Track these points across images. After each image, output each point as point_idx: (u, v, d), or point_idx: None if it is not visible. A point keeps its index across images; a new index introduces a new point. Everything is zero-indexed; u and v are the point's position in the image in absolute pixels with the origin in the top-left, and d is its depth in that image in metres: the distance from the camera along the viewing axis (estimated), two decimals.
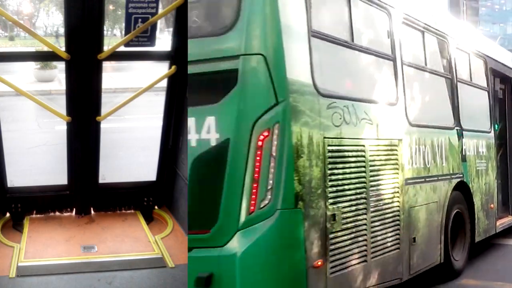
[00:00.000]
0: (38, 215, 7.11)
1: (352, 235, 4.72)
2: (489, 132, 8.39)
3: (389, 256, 5.26)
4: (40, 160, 7.73)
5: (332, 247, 4.45)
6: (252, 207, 4.08)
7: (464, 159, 7.20)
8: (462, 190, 7.09)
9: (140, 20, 6.12)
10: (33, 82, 8.21)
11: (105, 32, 6.39)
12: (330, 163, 4.45)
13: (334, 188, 4.50)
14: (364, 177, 4.90)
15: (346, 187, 4.65)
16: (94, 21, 6.17)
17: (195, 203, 4.24)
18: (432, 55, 6.66)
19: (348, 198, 4.69)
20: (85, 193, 7.09)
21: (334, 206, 4.47)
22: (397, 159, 5.46)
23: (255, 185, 4.06)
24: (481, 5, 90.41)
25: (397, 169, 5.46)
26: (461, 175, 7.08)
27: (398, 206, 5.44)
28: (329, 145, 4.43)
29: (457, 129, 7.11)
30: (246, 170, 4.07)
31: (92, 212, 7.24)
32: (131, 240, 6.65)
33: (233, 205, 4.10)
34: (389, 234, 5.29)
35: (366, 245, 4.92)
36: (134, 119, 8.05)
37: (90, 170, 6.95)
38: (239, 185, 4.08)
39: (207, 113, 4.13)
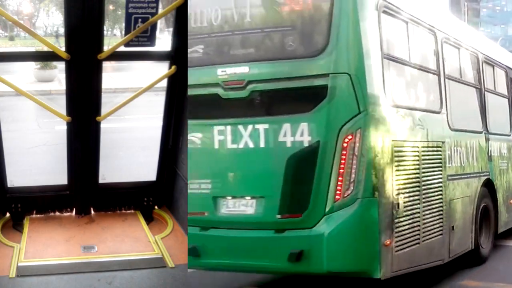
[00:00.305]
0: (38, 215, 7.11)
1: (410, 221, 5.64)
2: (509, 135, 9.31)
3: (435, 241, 6.18)
4: (40, 160, 7.73)
5: (396, 230, 5.38)
6: (337, 196, 5.06)
7: (490, 159, 8.10)
8: (488, 187, 7.91)
9: (140, 20, 6.13)
10: (33, 82, 8.21)
11: (105, 32, 6.40)
12: (396, 161, 5.41)
13: (398, 182, 5.43)
14: (418, 173, 5.82)
15: (406, 181, 5.60)
16: (94, 21, 6.17)
17: (289, 192, 5.18)
18: (466, 68, 7.66)
19: (407, 190, 5.61)
20: (85, 193, 7.10)
21: (398, 197, 5.41)
22: (441, 158, 6.39)
23: (340, 178, 5.03)
24: (482, 6, 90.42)
25: (441, 167, 6.38)
26: (488, 174, 7.96)
27: (442, 199, 6.33)
28: (395, 147, 5.40)
29: (484, 133, 8.02)
30: (332, 166, 5.05)
31: (92, 212, 7.24)
32: (131, 240, 6.64)
33: (321, 194, 5.08)
34: (435, 222, 6.19)
35: (419, 230, 5.83)
36: (134, 119, 8.05)
37: (90, 170, 6.96)
38: (327, 178, 5.06)
39: (300, 120, 5.13)
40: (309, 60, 5.18)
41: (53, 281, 5.81)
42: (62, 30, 6.58)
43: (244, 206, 5.45)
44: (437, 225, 6.22)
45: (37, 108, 6.89)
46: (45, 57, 6.94)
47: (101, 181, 7.08)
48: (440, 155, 6.38)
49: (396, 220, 5.38)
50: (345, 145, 5.04)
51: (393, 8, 5.64)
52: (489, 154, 8.09)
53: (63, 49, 6.25)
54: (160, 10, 6.29)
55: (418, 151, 5.85)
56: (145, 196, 7.35)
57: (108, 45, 6.55)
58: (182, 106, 7.09)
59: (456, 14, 77.93)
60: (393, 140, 5.36)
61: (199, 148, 5.63)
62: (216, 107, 5.55)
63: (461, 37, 7.52)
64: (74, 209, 7.19)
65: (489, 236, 8.02)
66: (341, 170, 5.04)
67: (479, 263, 7.68)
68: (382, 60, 5.32)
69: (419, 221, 5.81)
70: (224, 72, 5.47)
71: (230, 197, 5.50)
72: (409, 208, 5.61)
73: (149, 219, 7.23)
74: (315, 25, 5.26)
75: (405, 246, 5.55)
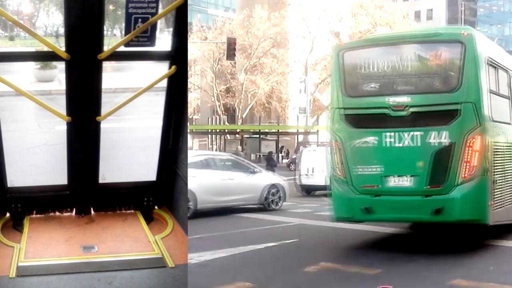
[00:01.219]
0: (38, 215, 7.11)
1: (499, 192, 8.95)
2: None
3: (510, 207, 9.45)
4: (40, 160, 7.70)
5: (493, 197, 8.72)
6: (463, 175, 8.37)
7: None
8: None
9: (140, 20, 6.12)
10: (33, 82, 8.19)
11: (105, 32, 6.39)
12: (494, 154, 8.79)
13: (494, 167, 8.76)
14: (503, 162, 9.18)
15: (497, 166, 8.90)
16: (94, 21, 6.17)
17: (433, 172, 8.44)
18: None
19: (498, 172, 8.88)
20: (85, 193, 7.09)
21: (495, 176, 8.77)
22: None
23: (465, 164, 8.35)
24: (479, 6, 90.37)
25: None
26: None
27: None
28: (493, 146, 8.77)
29: None
30: (461, 157, 8.36)
31: (92, 212, 7.24)
32: (131, 240, 6.65)
33: (453, 173, 8.39)
34: (511, 194, 9.45)
35: (502, 198, 9.13)
36: (134, 119, 8.03)
37: (90, 170, 6.95)
38: (457, 164, 8.35)
39: (442, 130, 8.45)
40: (447, 94, 8.59)
41: (53, 281, 5.81)
42: (62, 30, 6.53)
43: (403, 182, 8.73)
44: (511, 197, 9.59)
45: (37, 108, 6.86)
46: (45, 57, 6.92)
47: (101, 181, 7.08)
48: None
49: (493, 191, 8.72)
50: (468, 144, 8.35)
51: (492, 61, 9.15)
52: None
53: (63, 49, 6.24)
54: (160, 10, 6.29)
55: (503, 148, 9.23)
56: (145, 196, 7.35)
57: (108, 45, 6.53)
58: (182, 106, 7.08)
59: (453, 13, 77.91)
60: (492, 142, 8.75)
61: (371, 146, 8.86)
62: (385, 121, 8.81)
63: None
64: (74, 209, 7.19)
65: None
66: (466, 159, 8.35)
67: None
68: (488, 93, 8.75)
69: (502, 193, 9.11)
70: (391, 100, 8.77)
71: (394, 176, 8.75)
72: (498, 184, 8.90)
73: (149, 219, 7.22)
74: (451, 72, 8.74)
75: (497, 207, 8.85)
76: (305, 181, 20.33)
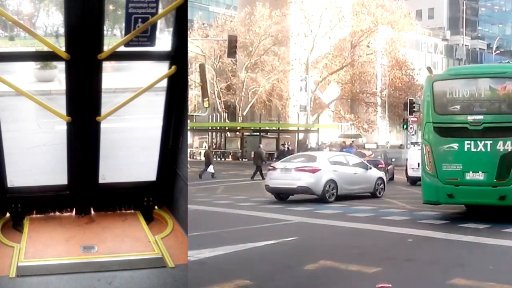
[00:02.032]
0: (38, 215, 7.11)
1: None
2: None
3: None
4: (40, 160, 7.70)
5: None
6: None
7: None
8: None
9: (140, 20, 6.12)
10: (33, 82, 8.18)
11: (105, 32, 6.39)
12: None
13: None
14: None
15: None
16: (94, 21, 6.17)
17: (499, 170, 11.61)
18: None
19: None
20: (85, 193, 7.10)
21: None
22: None
23: None
24: (481, 6, 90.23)
25: None
26: None
27: None
28: None
29: None
30: None
31: (92, 212, 7.24)
32: (131, 240, 6.65)
33: None
34: None
35: None
36: (134, 119, 8.03)
37: (90, 170, 6.96)
38: None
39: (507, 140, 11.63)
40: (510, 115, 11.81)
41: (53, 281, 5.82)
42: (62, 30, 6.54)
43: (477, 176, 11.91)
44: None
45: (37, 108, 6.87)
46: (45, 57, 6.92)
47: (101, 181, 7.08)
48: None
49: None
50: None
51: None
52: None
53: (63, 49, 6.24)
54: (160, 10, 6.28)
55: None
56: (145, 196, 7.35)
57: (108, 45, 6.53)
58: (182, 106, 7.09)
59: (455, 12, 77.74)
60: None
61: (454, 150, 12.05)
62: (464, 132, 12.04)
63: None
64: (74, 209, 7.19)
65: None
66: None
67: None
68: None
69: None
70: (470, 118, 12.03)
71: (470, 172, 11.93)
72: None
73: (149, 219, 7.23)
74: None
75: None
76: (412, 173, 24.12)
